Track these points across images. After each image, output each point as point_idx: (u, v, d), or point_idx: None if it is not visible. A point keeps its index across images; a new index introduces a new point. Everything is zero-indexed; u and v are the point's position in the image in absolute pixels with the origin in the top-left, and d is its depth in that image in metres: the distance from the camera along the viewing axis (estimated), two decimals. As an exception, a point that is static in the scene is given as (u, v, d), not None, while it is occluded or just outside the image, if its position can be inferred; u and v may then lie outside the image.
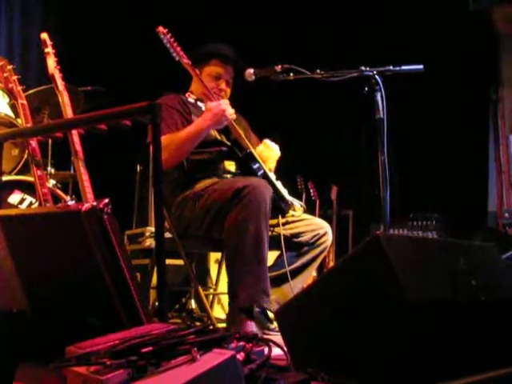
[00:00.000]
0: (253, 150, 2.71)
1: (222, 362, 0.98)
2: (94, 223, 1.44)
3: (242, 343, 1.12)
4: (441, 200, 5.07)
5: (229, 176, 2.70)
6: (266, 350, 1.19)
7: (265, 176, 2.64)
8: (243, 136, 2.75)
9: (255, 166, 2.65)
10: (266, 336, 2.21)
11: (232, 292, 2.37)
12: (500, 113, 5.31)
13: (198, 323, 3.21)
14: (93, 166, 2.26)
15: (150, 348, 1.04)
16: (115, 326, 1.36)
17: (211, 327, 1.24)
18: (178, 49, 2.62)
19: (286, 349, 1.38)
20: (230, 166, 2.73)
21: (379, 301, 1.28)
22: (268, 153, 2.80)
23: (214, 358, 1.00)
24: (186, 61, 2.65)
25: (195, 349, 1.02)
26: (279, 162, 2.86)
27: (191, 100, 2.83)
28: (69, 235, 1.51)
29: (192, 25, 4.82)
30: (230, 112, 2.58)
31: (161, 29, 2.61)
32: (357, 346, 1.32)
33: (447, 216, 4.68)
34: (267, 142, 2.85)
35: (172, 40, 2.61)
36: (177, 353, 1.03)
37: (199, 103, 2.84)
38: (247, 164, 2.66)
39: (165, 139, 2.46)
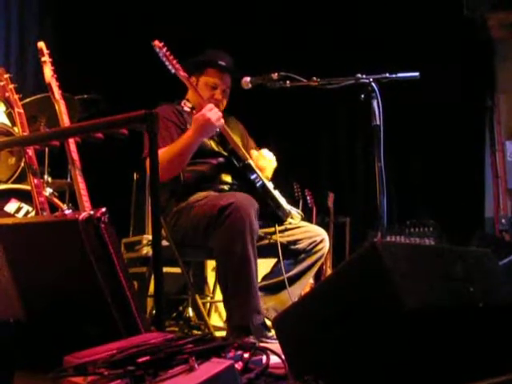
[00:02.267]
0: (251, 161, 2.71)
1: (220, 372, 0.98)
2: (91, 232, 1.43)
3: (240, 352, 1.11)
4: (437, 206, 5.08)
5: (226, 187, 2.69)
6: (265, 358, 1.18)
7: (263, 186, 2.64)
8: (240, 146, 2.74)
9: (253, 177, 2.65)
10: (263, 344, 2.21)
11: (227, 310, 2.43)
12: (496, 119, 5.33)
13: (195, 331, 3.20)
14: (90, 174, 2.26)
15: (148, 358, 1.04)
16: (113, 335, 1.35)
17: (209, 336, 1.24)
18: (174, 62, 2.61)
19: (283, 357, 1.38)
20: (227, 176, 2.72)
21: (377, 308, 1.28)
22: (264, 163, 2.79)
23: (212, 367, 1.00)
24: (182, 74, 2.63)
25: (193, 358, 1.02)
26: (276, 169, 2.86)
27: (187, 109, 2.82)
28: (66, 244, 1.51)
29: (190, 32, 4.84)
30: (217, 117, 2.52)
31: (156, 42, 2.59)
32: (355, 352, 1.32)
33: (444, 222, 4.69)
34: (264, 152, 2.84)
35: (168, 53, 2.59)
36: (175, 362, 1.03)
37: (195, 112, 2.83)
38: (245, 175, 2.66)
39: (159, 153, 2.46)
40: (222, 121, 2.58)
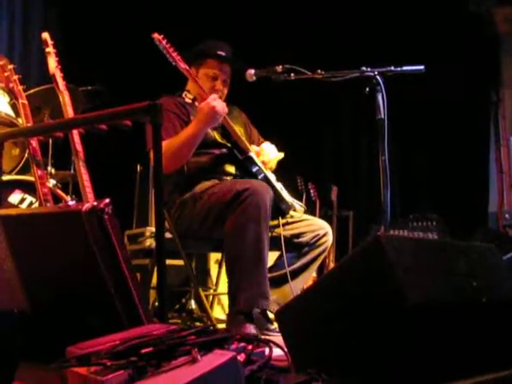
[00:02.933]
0: (253, 154, 2.70)
1: (222, 363, 0.98)
2: (95, 223, 1.43)
3: (242, 344, 1.11)
4: (441, 201, 5.06)
5: (229, 178, 2.69)
6: (267, 351, 1.18)
7: (265, 179, 2.64)
8: (243, 138, 2.74)
9: (255, 170, 2.65)
10: (266, 337, 2.21)
11: (232, 295, 2.38)
12: (501, 114, 5.31)
13: (197, 324, 3.21)
14: (93, 165, 2.25)
15: (151, 349, 1.04)
16: (115, 326, 1.36)
17: (212, 328, 1.24)
18: (174, 54, 2.60)
19: (286, 350, 1.38)
20: (231, 167, 2.72)
21: (380, 302, 1.28)
22: (265, 158, 2.78)
23: (214, 358, 1.00)
24: (182, 66, 2.63)
25: (196, 349, 1.02)
26: (280, 162, 2.86)
27: (188, 100, 2.82)
28: (69, 235, 1.51)
29: (193, 24, 4.83)
30: (221, 106, 2.53)
31: (156, 35, 2.58)
32: (358, 346, 1.32)
33: (448, 217, 4.68)
34: (264, 146, 2.82)
35: (168, 46, 2.58)
36: (177, 353, 1.03)
37: (196, 103, 2.83)
38: (248, 167, 2.66)
39: (163, 145, 2.47)
40: (226, 109, 2.58)
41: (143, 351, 1.03)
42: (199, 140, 2.57)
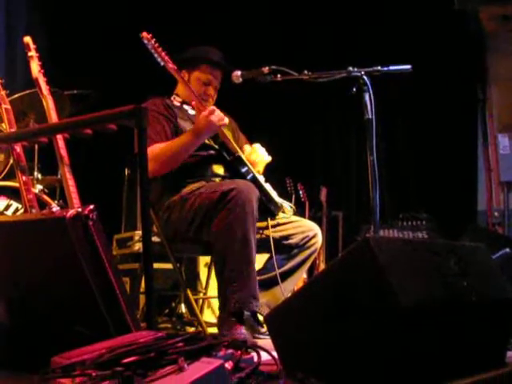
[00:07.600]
0: (241, 154, 2.69)
1: (209, 372, 0.96)
2: (79, 230, 1.41)
3: (230, 351, 1.10)
4: (430, 200, 5.07)
5: (217, 179, 2.68)
6: (256, 357, 1.17)
7: (254, 179, 2.63)
8: (231, 139, 2.73)
9: (244, 170, 2.64)
10: (256, 340, 2.19)
11: (222, 297, 2.37)
12: (488, 112, 5.33)
13: (188, 328, 3.19)
14: (81, 169, 2.23)
15: (137, 358, 1.02)
16: (102, 334, 1.33)
17: (201, 334, 1.22)
18: (163, 54, 2.58)
19: (275, 354, 1.36)
20: (219, 169, 2.71)
21: (370, 304, 1.27)
22: (256, 157, 2.78)
23: (201, 367, 0.98)
24: (171, 66, 2.61)
25: (182, 358, 1.00)
26: (268, 163, 2.84)
27: (176, 103, 2.81)
28: (54, 242, 1.49)
29: (180, 24, 4.81)
30: (218, 119, 2.51)
31: (145, 34, 2.56)
32: (348, 350, 1.30)
33: (437, 216, 4.69)
34: (256, 147, 2.82)
35: (156, 45, 2.57)
36: (164, 362, 1.01)
37: (185, 106, 2.82)
38: (236, 167, 2.64)
39: (155, 149, 2.49)
40: (227, 122, 2.57)
41: (129, 360, 1.01)
42: (193, 150, 2.58)
